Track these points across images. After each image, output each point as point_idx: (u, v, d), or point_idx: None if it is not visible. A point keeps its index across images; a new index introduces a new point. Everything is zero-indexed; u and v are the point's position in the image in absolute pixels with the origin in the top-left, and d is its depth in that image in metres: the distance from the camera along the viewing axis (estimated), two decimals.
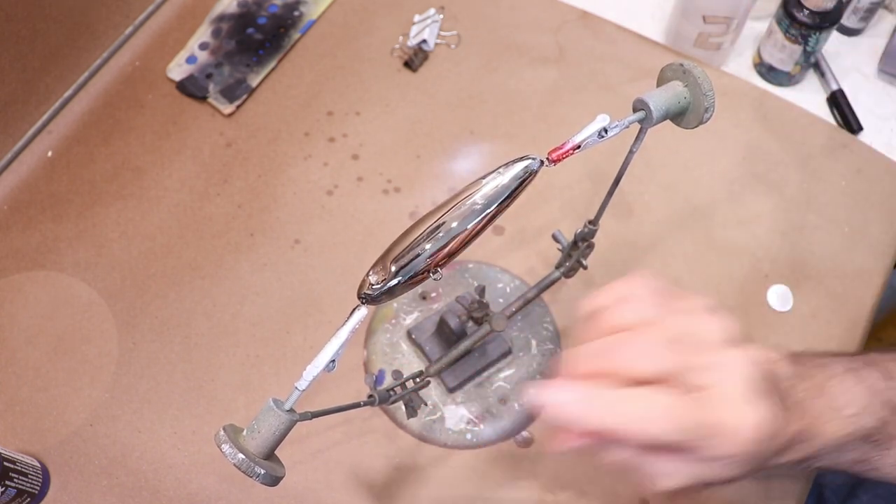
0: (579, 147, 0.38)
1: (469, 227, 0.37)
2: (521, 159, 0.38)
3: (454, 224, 0.37)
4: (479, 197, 0.37)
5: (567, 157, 0.38)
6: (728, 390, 0.36)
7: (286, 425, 0.36)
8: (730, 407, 0.36)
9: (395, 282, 0.36)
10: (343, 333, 0.36)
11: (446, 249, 0.37)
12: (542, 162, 0.38)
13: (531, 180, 0.38)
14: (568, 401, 0.36)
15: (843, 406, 0.42)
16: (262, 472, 0.35)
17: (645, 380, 0.37)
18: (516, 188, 0.37)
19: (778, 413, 0.37)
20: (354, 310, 0.36)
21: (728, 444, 0.36)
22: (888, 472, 0.45)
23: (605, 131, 0.38)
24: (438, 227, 0.37)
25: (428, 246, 0.36)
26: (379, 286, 0.36)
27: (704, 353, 0.37)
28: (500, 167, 0.38)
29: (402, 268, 0.36)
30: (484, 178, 0.38)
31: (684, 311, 0.39)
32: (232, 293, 0.63)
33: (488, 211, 0.37)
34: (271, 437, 0.36)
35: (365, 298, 0.37)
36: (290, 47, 0.75)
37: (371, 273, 0.37)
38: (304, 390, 0.36)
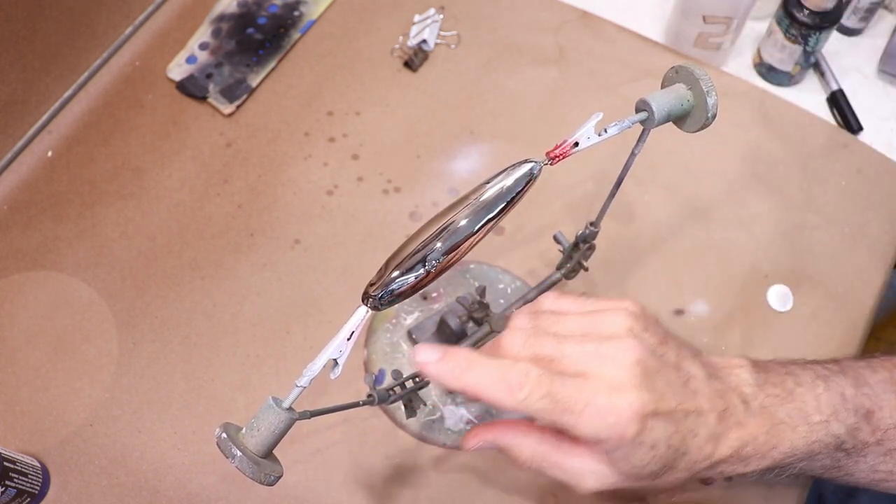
0: (577, 145, 0.38)
1: (470, 232, 0.37)
2: (522, 163, 0.38)
3: (455, 229, 0.37)
4: (481, 202, 0.37)
5: (566, 155, 0.38)
6: (606, 374, 0.37)
7: (285, 423, 0.36)
8: (602, 388, 0.37)
9: (396, 286, 0.36)
10: (343, 332, 0.36)
11: (447, 256, 0.37)
12: (541, 168, 0.38)
13: (532, 184, 0.38)
14: (430, 360, 0.39)
15: (811, 413, 0.41)
16: (238, 454, 0.34)
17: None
18: (518, 192, 0.37)
19: (652, 401, 0.37)
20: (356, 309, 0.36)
21: (602, 424, 0.37)
22: (863, 477, 0.45)
23: (605, 130, 0.38)
24: (440, 233, 0.37)
25: (430, 253, 0.36)
26: (381, 292, 0.36)
27: (591, 343, 0.39)
28: (501, 172, 0.38)
29: (403, 273, 0.36)
30: (486, 183, 0.38)
31: (597, 310, 0.41)
32: (232, 293, 0.63)
33: (489, 216, 0.37)
34: (270, 436, 0.36)
35: (370, 304, 0.37)
36: (290, 47, 0.75)
37: (375, 279, 0.37)
38: (303, 387, 0.36)
